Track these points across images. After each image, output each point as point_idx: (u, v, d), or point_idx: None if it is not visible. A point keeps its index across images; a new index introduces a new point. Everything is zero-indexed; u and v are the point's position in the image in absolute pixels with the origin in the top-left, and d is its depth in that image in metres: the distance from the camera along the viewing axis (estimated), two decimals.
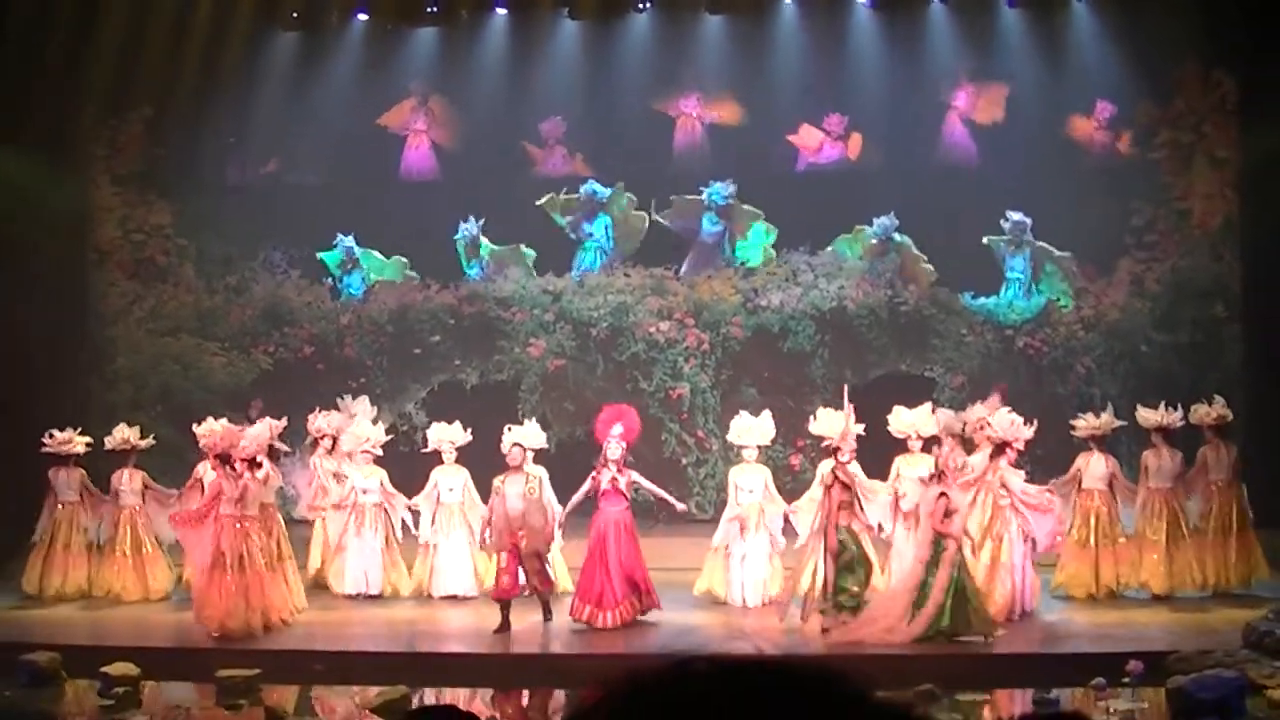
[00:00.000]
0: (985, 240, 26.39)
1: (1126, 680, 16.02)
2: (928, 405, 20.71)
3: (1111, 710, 15.17)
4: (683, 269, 27.11)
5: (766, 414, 20.89)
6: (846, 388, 19.88)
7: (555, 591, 19.23)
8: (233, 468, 18.77)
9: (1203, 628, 17.81)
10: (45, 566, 21.24)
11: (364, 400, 23.92)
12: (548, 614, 18.71)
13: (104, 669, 16.67)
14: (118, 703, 16.20)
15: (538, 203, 27.51)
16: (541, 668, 17.29)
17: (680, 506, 19.81)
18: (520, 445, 19.43)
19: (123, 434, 21.39)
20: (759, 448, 20.69)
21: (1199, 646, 16.61)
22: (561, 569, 20.35)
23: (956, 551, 17.45)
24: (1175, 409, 20.36)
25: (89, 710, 16.19)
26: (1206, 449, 20.51)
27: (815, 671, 2.25)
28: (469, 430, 20.90)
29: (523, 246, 27.52)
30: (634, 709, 2.22)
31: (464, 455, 20.79)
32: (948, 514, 17.50)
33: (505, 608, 18.34)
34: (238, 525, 18.41)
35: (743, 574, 19.89)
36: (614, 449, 18.70)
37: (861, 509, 18.65)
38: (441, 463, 20.94)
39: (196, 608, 18.59)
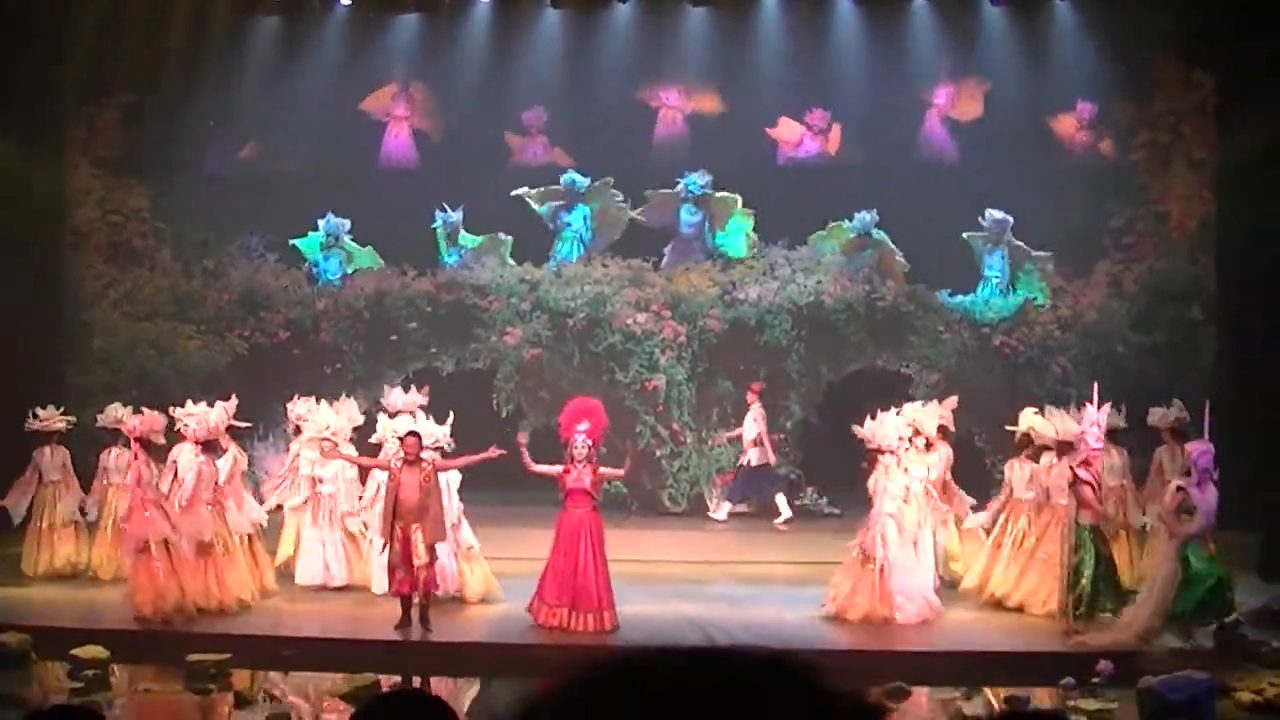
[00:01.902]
0: (965, 235, 26.44)
1: (1096, 680, 16.03)
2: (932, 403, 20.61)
3: (1081, 710, 15.18)
4: (664, 262, 27.10)
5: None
6: (1097, 386, 18.84)
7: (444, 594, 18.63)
8: (153, 452, 18.80)
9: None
10: (33, 545, 21.24)
11: (399, 390, 22.77)
12: (425, 619, 17.82)
13: (74, 651, 16.65)
14: (87, 685, 16.15)
15: (514, 192, 27.49)
16: (514, 658, 17.22)
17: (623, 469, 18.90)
18: (416, 435, 18.48)
19: (116, 413, 21.29)
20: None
21: (1169, 647, 16.68)
22: (482, 570, 19.75)
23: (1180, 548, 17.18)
24: (1120, 409, 20.30)
25: (58, 693, 16.13)
26: (1162, 450, 20.55)
27: (773, 661, 2.24)
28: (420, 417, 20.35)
29: (501, 235, 27.51)
30: (593, 700, 2.20)
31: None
32: (1186, 511, 17.21)
33: (406, 603, 17.87)
34: (161, 508, 18.43)
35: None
36: (580, 447, 17.88)
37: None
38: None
39: (128, 591, 18.58)
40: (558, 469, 17.98)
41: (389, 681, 16.32)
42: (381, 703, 4.89)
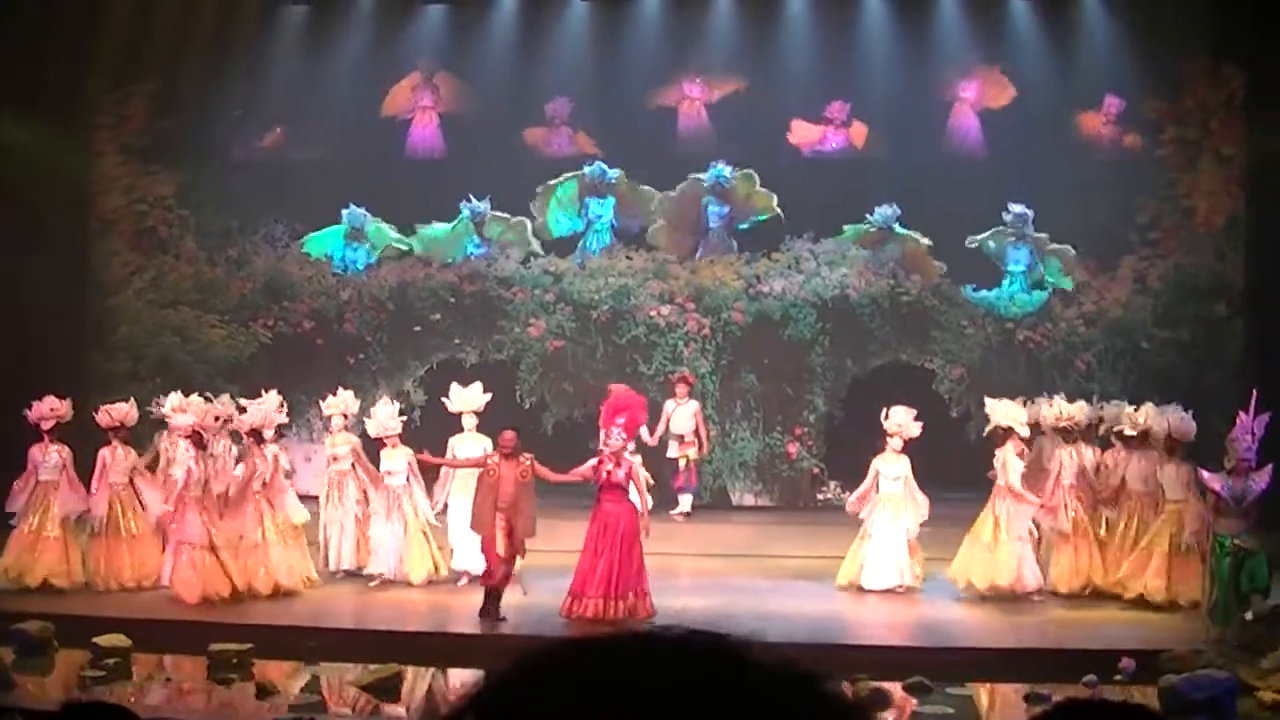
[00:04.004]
0: (972, 241, 26.33)
1: (1118, 678, 15.99)
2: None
3: None
4: (698, 255, 27.00)
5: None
6: (1256, 393, 18.60)
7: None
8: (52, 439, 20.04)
9: (1194, 628, 17.72)
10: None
11: (472, 388, 21.38)
12: (497, 610, 17.95)
13: (95, 639, 16.67)
14: (108, 673, 16.17)
15: (541, 187, 27.44)
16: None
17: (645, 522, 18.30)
18: (514, 430, 18.61)
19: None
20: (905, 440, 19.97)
21: (1191, 646, 16.61)
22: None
23: None
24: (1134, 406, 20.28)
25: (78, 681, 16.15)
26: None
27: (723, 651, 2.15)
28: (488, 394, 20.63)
29: (526, 223, 27.44)
30: (535, 691, 2.10)
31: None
32: None
33: (494, 594, 17.89)
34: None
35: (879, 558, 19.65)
36: (616, 439, 17.88)
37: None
38: (461, 430, 20.51)
39: None
40: (589, 464, 18.03)
41: (412, 673, 16.35)
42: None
